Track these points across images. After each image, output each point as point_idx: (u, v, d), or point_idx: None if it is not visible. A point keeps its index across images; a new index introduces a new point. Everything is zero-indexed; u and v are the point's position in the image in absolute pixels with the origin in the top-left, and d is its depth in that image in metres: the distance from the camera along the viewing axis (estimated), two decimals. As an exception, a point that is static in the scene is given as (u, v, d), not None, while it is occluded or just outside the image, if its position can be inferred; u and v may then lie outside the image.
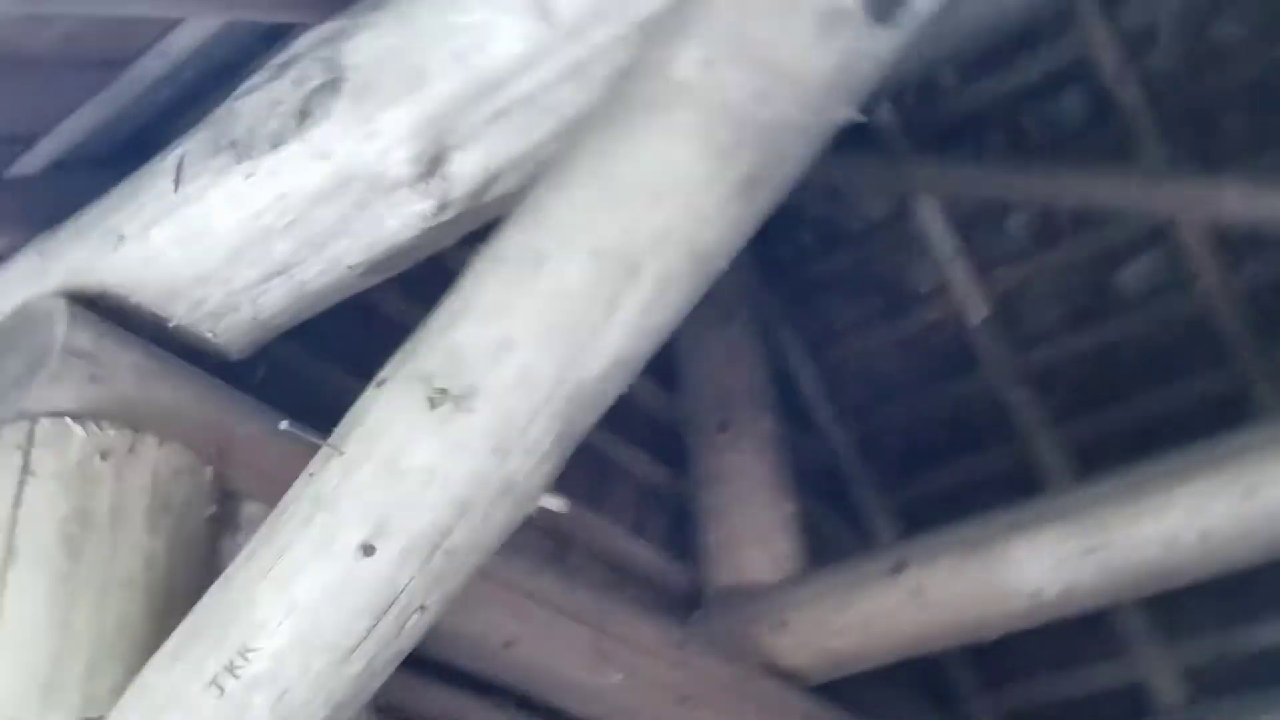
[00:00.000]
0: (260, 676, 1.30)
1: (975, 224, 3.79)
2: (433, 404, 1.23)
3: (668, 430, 3.33)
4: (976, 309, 3.79)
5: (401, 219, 1.59)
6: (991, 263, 3.75)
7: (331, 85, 1.52)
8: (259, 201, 1.64)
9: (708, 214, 1.19)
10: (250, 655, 1.30)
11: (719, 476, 3.19)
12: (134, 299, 1.77)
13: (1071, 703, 4.01)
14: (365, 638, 1.30)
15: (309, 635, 1.30)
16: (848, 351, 3.94)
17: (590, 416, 1.28)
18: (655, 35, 1.24)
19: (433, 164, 1.52)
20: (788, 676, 2.88)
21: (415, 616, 1.31)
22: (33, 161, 1.99)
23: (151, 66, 1.80)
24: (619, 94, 1.22)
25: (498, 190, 1.57)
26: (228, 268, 1.72)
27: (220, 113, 1.68)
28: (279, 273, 1.71)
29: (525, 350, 1.22)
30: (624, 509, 3.16)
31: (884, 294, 3.94)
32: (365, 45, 1.51)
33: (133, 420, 1.71)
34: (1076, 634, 3.21)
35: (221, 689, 1.30)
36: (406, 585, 1.29)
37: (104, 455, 1.66)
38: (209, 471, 1.77)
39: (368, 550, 1.27)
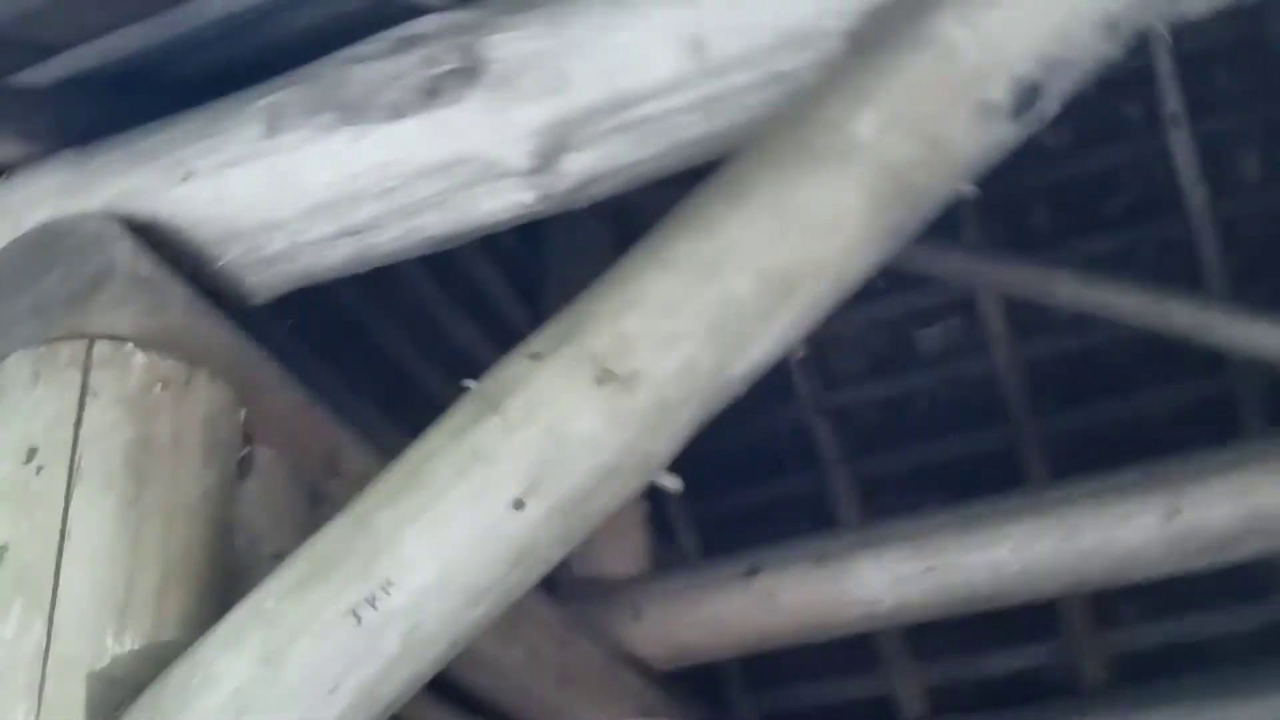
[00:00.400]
0: (398, 610, 1.41)
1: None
2: (599, 381, 1.40)
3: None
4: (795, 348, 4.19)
5: (500, 203, 1.73)
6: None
7: (468, 72, 1.64)
8: (360, 165, 1.73)
9: (858, 252, 1.43)
10: (392, 590, 1.41)
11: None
12: (187, 234, 1.80)
13: (826, 709, 4.45)
14: (496, 585, 1.44)
15: (451, 577, 1.42)
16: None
17: (719, 408, 1.48)
18: (822, 94, 1.47)
19: (548, 160, 1.67)
20: (639, 663, 3.11)
21: (539, 568, 1.47)
22: (45, 73, 1.96)
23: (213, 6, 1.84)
24: (798, 139, 1.44)
25: (591, 192, 1.74)
26: (303, 220, 1.79)
27: (325, 72, 1.75)
28: (354, 233, 1.79)
29: (689, 346, 1.41)
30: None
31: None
32: (510, 43, 1.64)
33: (185, 353, 1.74)
34: (839, 647, 3.62)
35: (359, 618, 1.40)
36: (544, 540, 1.44)
37: (164, 385, 1.69)
38: (243, 413, 1.82)
39: (519, 505, 1.41)
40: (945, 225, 3.76)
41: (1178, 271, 3.77)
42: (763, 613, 3.07)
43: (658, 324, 1.42)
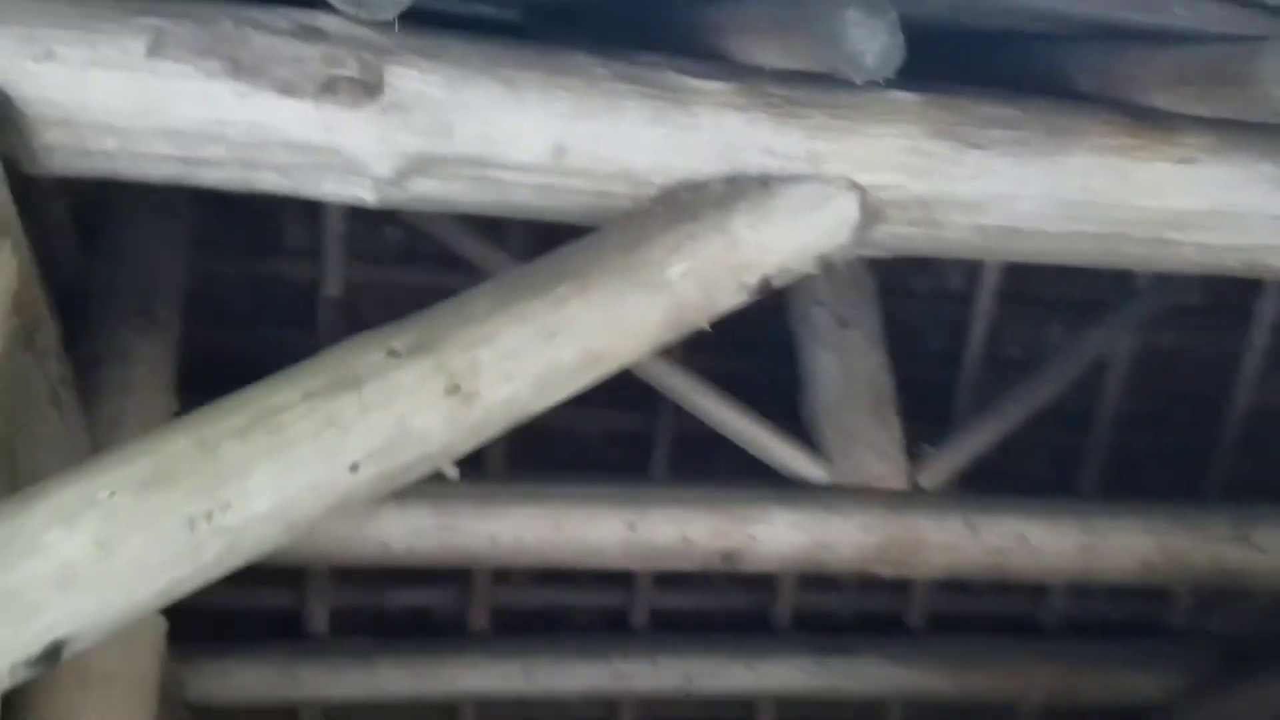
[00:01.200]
0: (227, 528, 1.68)
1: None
2: (448, 392, 1.80)
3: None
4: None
5: (340, 191, 2.02)
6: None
7: (368, 87, 1.92)
8: (233, 117, 1.91)
9: (642, 352, 2.01)
10: (228, 511, 1.68)
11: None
12: (19, 106, 1.84)
13: (238, 614, 4.74)
14: (307, 523, 1.78)
15: (281, 512, 1.72)
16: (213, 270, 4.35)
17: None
18: (652, 237, 2.01)
19: (403, 177, 2.00)
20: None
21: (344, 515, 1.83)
22: None
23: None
24: (629, 264, 1.95)
25: (417, 205, 2.09)
26: (147, 136, 1.90)
27: (222, 22, 1.90)
28: (190, 163, 1.96)
29: (519, 385, 1.87)
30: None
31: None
32: (413, 81, 1.94)
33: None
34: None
35: (193, 528, 1.66)
36: (360, 496, 1.80)
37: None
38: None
39: (355, 468, 1.77)
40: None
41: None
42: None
43: (502, 363, 1.85)
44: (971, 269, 4.68)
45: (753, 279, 2.04)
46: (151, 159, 1.97)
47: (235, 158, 1.97)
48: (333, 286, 4.43)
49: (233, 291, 4.40)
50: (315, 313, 4.45)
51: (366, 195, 2.03)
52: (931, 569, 3.70)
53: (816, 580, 4.71)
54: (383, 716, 5.09)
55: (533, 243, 4.05)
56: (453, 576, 4.78)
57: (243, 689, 4.53)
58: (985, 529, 3.64)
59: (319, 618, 4.78)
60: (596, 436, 4.80)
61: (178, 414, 3.50)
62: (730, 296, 2.04)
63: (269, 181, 2.02)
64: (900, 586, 4.91)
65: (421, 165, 2.00)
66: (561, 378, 1.92)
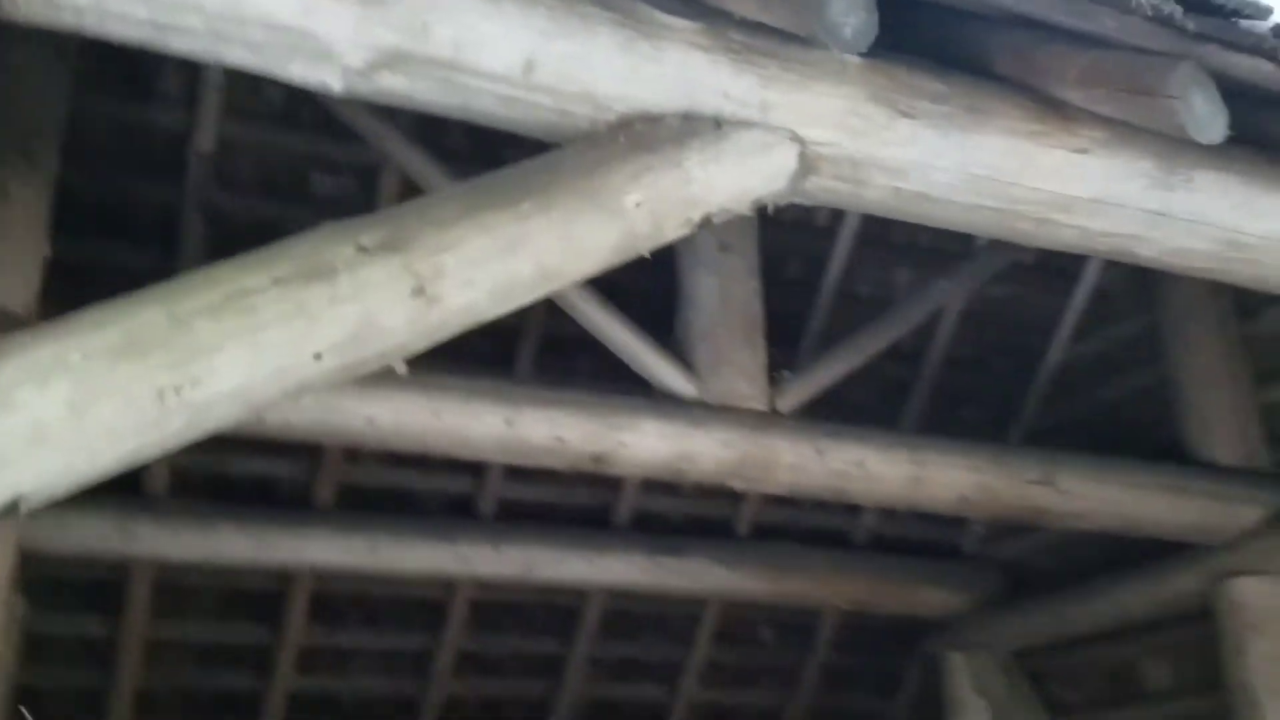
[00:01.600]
0: (193, 403, 1.75)
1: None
2: (414, 293, 1.89)
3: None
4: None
5: (307, 75, 2.05)
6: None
7: None
8: (215, -9, 1.91)
9: (591, 271, 2.12)
10: (197, 386, 1.74)
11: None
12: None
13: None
14: (268, 405, 1.84)
15: (244, 391, 1.79)
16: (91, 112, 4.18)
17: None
18: (612, 165, 2.11)
19: (372, 70, 2.05)
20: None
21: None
22: None
23: None
24: (590, 189, 2.06)
25: (378, 98, 2.13)
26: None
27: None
28: (160, 27, 1.95)
29: (478, 293, 1.97)
30: None
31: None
32: None
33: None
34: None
35: (163, 400, 1.70)
36: (319, 383, 1.87)
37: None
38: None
39: (319, 357, 1.84)
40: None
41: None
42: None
43: (464, 270, 1.94)
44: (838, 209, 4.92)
45: (697, 215, 2.17)
46: (123, 20, 1.95)
47: (209, 29, 1.97)
48: (205, 140, 4.32)
49: (108, 136, 4.24)
50: (186, 165, 4.34)
51: (334, 83, 2.06)
52: (779, 486, 3.97)
53: (656, 485, 4.96)
54: (218, 580, 5.12)
55: (423, 127, 4.05)
56: (300, 450, 4.81)
57: (77, 540, 4.48)
58: (831, 454, 3.93)
59: (159, 477, 4.74)
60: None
61: (49, 259, 3.47)
62: (676, 229, 2.17)
63: (237, 57, 2.02)
64: (731, 496, 5.21)
65: (393, 61, 2.04)
66: (517, 289, 2.02)
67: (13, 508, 1.67)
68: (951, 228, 2.63)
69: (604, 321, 3.87)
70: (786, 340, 4.65)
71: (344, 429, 3.57)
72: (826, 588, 5.33)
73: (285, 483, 5.01)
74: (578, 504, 5.19)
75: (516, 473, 4.91)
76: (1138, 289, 4.99)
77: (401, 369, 2.01)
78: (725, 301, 3.93)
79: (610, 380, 4.00)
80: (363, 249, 1.90)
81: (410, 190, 4.33)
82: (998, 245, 4.84)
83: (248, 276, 1.83)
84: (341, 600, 5.30)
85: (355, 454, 4.90)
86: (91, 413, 1.68)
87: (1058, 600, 5.19)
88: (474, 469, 4.99)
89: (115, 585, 4.89)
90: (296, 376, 1.85)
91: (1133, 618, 4.92)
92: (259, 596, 5.18)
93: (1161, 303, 4.82)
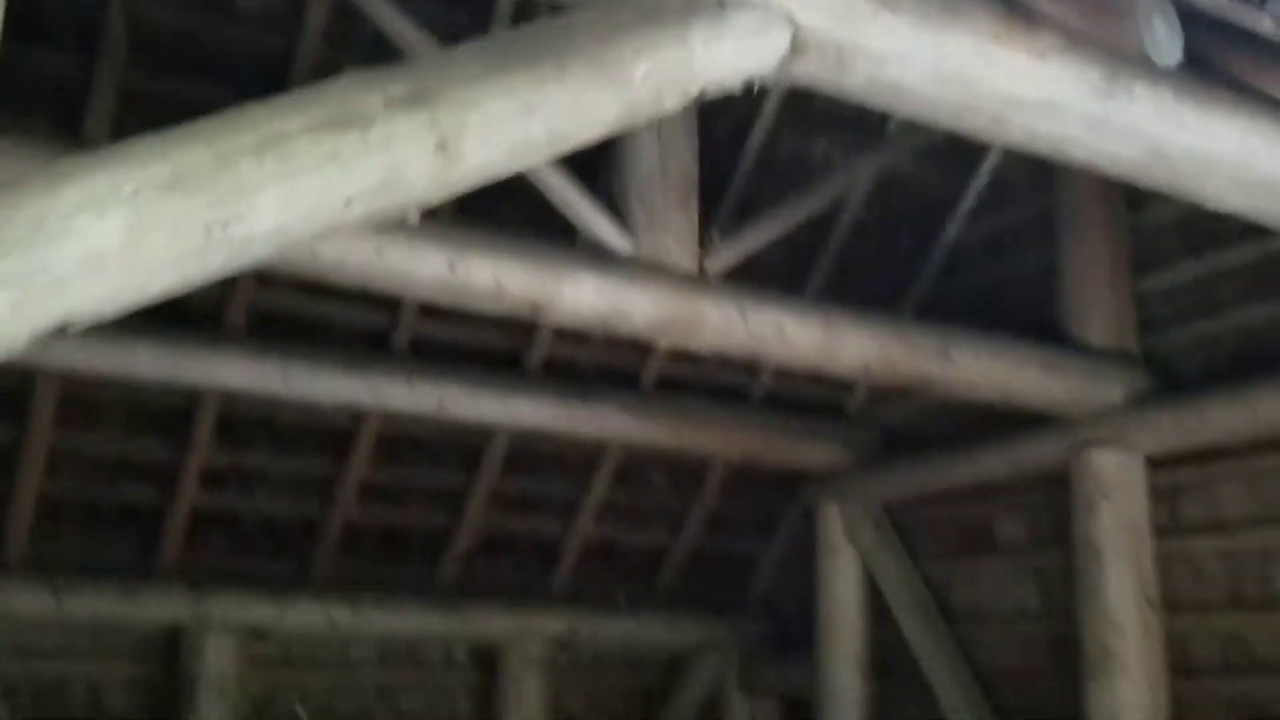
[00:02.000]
0: (233, 239, 1.83)
1: None
2: (438, 148, 1.98)
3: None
4: None
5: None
6: None
7: None
8: None
9: (596, 135, 2.23)
10: (240, 224, 1.81)
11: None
12: None
13: None
14: (298, 249, 1.93)
15: (279, 232, 1.88)
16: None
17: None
18: (618, 39, 2.20)
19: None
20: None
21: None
22: None
23: None
24: (601, 60, 2.15)
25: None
26: None
27: None
28: None
29: (494, 153, 2.06)
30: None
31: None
32: None
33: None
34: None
35: (210, 234, 1.78)
36: (343, 228, 1.97)
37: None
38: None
39: (348, 203, 1.93)
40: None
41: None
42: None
43: (485, 129, 2.03)
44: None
45: (694, 90, 2.29)
46: None
47: None
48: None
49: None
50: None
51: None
52: (703, 345, 4.18)
53: (568, 333, 5.12)
54: (126, 395, 5.12)
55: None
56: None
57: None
58: (753, 318, 4.14)
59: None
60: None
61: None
62: (674, 102, 2.29)
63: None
64: (641, 348, 5.42)
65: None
66: (529, 151, 2.13)
67: (63, 331, 1.75)
68: (914, 118, 2.80)
69: (545, 171, 3.95)
70: (707, 201, 4.80)
71: (287, 259, 3.61)
72: (722, 440, 5.63)
73: (196, 301, 5.00)
74: (490, 346, 5.32)
75: (430, 311, 4.98)
76: (1035, 174, 5.27)
77: (415, 220, 2.10)
78: (664, 161, 4.05)
79: (534, 228, 4.08)
80: (391, 101, 1.97)
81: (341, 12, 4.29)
82: (913, 124, 5.06)
83: (283, 120, 1.90)
84: (249, 423, 5.38)
85: (267, 279, 4.91)
86: (145, 243, 1.75)
87: (928, 461, 5.62)
88: (389, 304, 5.05)
89: (21, 393, 4.87)
90: (327, 220, 1.93)
91: (995, 480, 5.37)
92: (167, 414, 5.22)
93: (1056, 189, 5.11)
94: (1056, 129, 2.81)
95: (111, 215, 1.72)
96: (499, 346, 5.32)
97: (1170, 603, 4.71)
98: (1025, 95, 2.72)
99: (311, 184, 1.89)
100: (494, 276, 3.73)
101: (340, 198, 1.93)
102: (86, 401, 5.05)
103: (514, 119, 2.07)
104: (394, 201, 2.01)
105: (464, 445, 5.68)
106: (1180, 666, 4.66)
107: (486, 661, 6.02)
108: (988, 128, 2.81)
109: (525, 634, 5.95)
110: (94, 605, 5.18)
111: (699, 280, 4.05)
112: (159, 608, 5.30)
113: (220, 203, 1.81)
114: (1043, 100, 2.74)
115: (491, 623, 5.89)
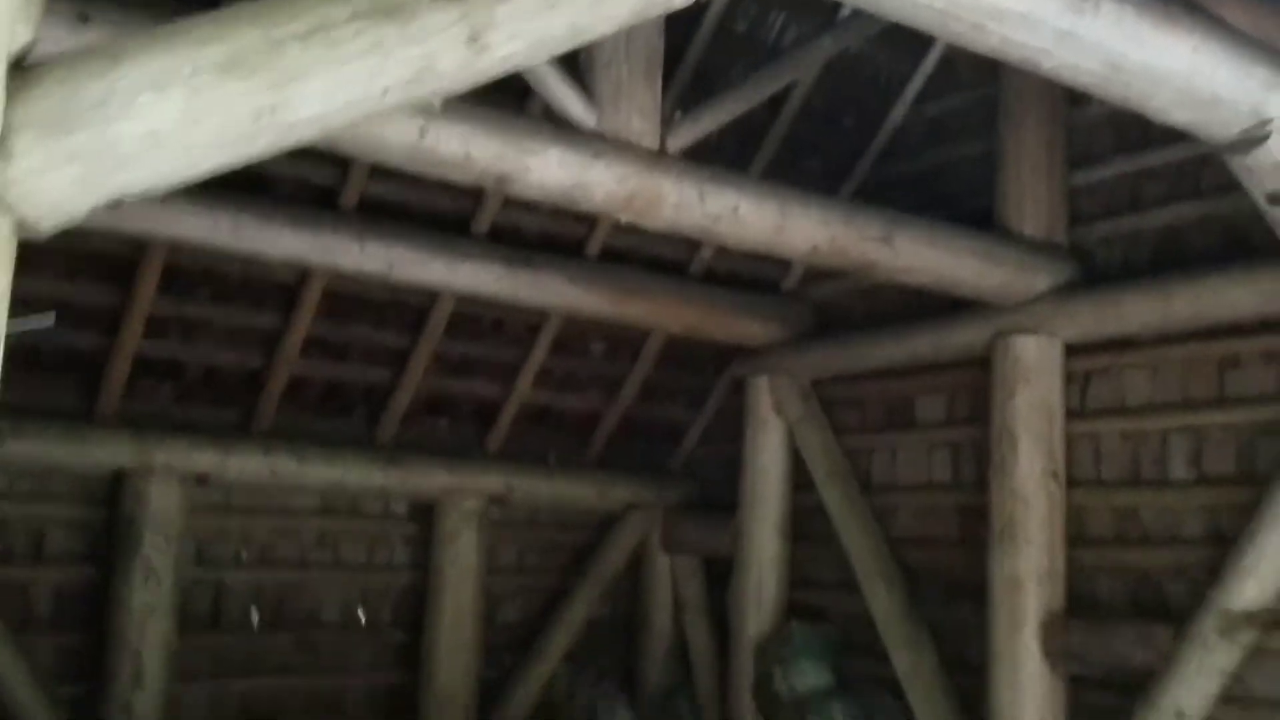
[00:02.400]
0: (279, 124, 1.92)
1: None
2: (469, 41, 2.05)
3: None
4: None
5: None
6: None
7: None
8: None
9: (616, 26, 2.30)
10: (286, 109, 1.89)
11: None
12: None
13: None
14: (335, 135, 2.01)
15: (320, 118, 1.96)
16: None
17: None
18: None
19: None
20: None
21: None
22: None
23: None
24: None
25: None
26: None
27: None
28: None
29: (518, 46, 2.13)
30: None
31: None
32: None
33: None
34: None
35: (259, 117, 1.85)
36: (380, 115, 2.04)
37: None
38: None
39: (386, 92, 2.00)
40: None
41: None
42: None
43: (512, 22, 2.10)
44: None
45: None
46: None
47: None
48: None
49: None
50: None
51: None
52: (661, 223, 4.29)
53: (515, 200, 5.17)
54: (69, 241, 5.01)
55: None
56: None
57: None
58: (710, 198, 4.26)
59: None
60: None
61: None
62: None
63: None
64: (587, 220, 5.51)
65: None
66: (549, 44, 2.20)
67: (118, 203, 1.82)
68: (897, 19, 2.91)
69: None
70: (667, 75, 4.86)
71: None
72: (662, 312, 5.79)
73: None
74: (437, 209, 5.36)
75: (380, 171, 4.98)
76: (980, 63, 5.40)
77: (438, 107, 2.18)
78: (629, 33, 4.06)
79: (500, 100, 4.11)
80: (424, -9, 2.03)
81: None
82: (859, 10, 5.14)
83: (329, 6, 1.95)
84: (195, 274, 5.36)
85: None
86: (202, 123, 1.82)
87: (857, 339, 5.87)
88: (339, 161, 5.04)
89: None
90: (365, 108, 2.01)
91: (920, 360, 5.64)
92: (111, 260, 5.18)
93: (1000, 79, 5.26)
94: (1031, 40, 2.96)
95: (172, 95, 1.78)
96: (446, 209, 5.36)
97: (1073, 478, 5.07)
98: (1006, 6, 2.85)
99: (354, 73, 1.96)
100: (463, 147, 3.78)
101: (379, 87, 2.00)
102: (30, 245, 4.97)
103: (539, 13, 2.14)
104: (425, 90, 2.08)
105: (408, 306, 5.76)
106: (1077, 537, 5.04)
107: (424, 515, 6.22)
108: (965, 34, 2.94)
109: (462, 490, 6.15)
110: (37, 449, 5.21)
111: (660, 158, 4.14)
112: (102, 452, 5.35)
113: (271, 87, 1.88)
114: (1021, 12, 2.88)
115: (429, 478, 6.07)
